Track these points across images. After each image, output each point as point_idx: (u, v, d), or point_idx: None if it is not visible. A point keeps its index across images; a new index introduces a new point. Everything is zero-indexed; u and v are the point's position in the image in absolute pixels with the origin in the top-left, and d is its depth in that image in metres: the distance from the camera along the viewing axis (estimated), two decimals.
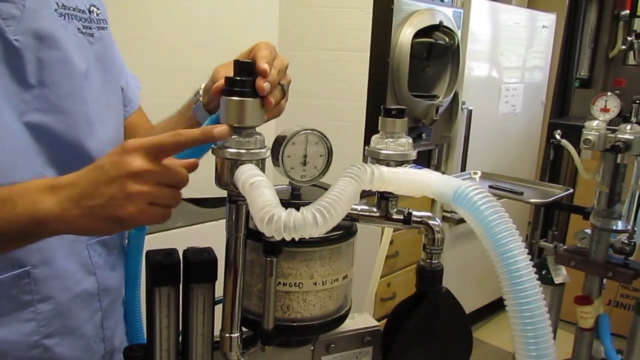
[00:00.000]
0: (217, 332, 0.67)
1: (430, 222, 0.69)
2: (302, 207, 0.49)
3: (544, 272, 1.63)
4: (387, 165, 0.66)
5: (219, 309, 0.66)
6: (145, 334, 0.82)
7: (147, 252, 0.64)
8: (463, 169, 2.64)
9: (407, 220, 0.69)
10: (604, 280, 1.53)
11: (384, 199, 0.69)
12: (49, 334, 0.73)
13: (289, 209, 0.49)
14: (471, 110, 2.62)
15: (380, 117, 0.69)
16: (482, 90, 2.77)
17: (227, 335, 0.64)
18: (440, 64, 2.53)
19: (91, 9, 0.80)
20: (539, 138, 3.27)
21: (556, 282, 1.61)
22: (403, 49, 2.22)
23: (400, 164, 0.67)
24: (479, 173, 1.90)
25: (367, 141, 2.25)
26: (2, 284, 0.68)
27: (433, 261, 0.69)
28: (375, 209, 0.69)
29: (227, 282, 0.64)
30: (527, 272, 0.50)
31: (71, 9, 0.76)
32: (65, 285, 0.74)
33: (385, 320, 0.75)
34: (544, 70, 3.19)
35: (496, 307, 3.25)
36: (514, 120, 3.02)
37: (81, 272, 0.78)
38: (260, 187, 0.51)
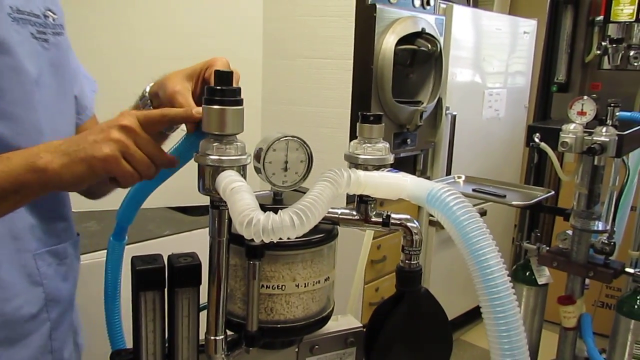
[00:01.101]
0: (202, 335, 0.68)
1: (409, 224, 0.71)
2: (280, 210, 0.51)
3: (527, 274, 1.65)
4: (365, 169, 0.68)
5: (203, 312, 0.68)
6: (125, 339, 0.83)
7: (132, 257, 0.65)
8: (448, 173, 2.68)
9: (386, 222, 0.71)
10: (587, 280, 1.56)
11: (363, 202, 0.71)
12: None
13: (267, 212, 0.51)
14: (455, 116, 2.66)
15: (358, 123, 0.71)
16: (466, 95, 2.81)
17: (212, 338, 0.66)
18: (423, 71, 2.57)
19: (46, 14, 0.79)
20: (523, 142, 3.32)
21: (540, 283, 1.64)
22: (386, 56, 2.26)
23: (377, 168, 0.69)
24: (463, 177, 1.93)
25: None
26: None
27: (412, 262, 0.71)
28: (355, 212, 0.71)
29: (211, 286, 0.65)
30: (498, 269, 0.52)
31: (25, 13, 0.75)
32: (8, 296, 0.74)
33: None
34: (526, 75, 3.24)
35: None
36: (498, 124, 3.06)
37: (25, 283, 0.76)
38: (240, 191, 0.53)
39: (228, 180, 0.56)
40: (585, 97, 1.33)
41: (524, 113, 3.27)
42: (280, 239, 0.50)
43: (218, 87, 0.61)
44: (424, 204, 0.58)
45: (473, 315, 3.03)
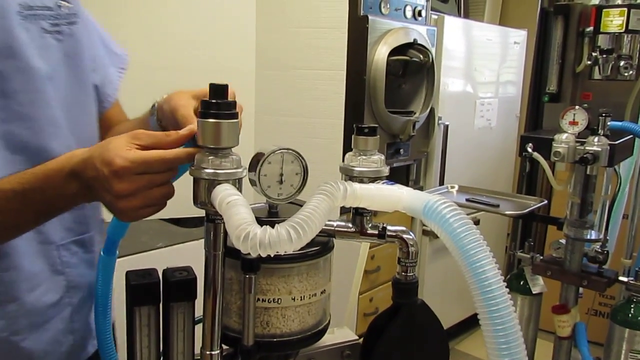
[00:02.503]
0: (197, 350, 0.68)
1: (405, 236, 0.71)
2: (276, 224, 0.51)
3: (521, 283, 1.65)
4: (361, 181, 0.68)
5: (198, 326, 0.67)
6: (117, 355, 0.82)
7: (127, 272, 0.65)
8: (441, 183, 2.68)
9: (382, 234, 0.71)
10: (581, 289, 1.56)
11: (358, 215, 0.71)
12: (16, 331, 0.76)
13: (264, 227, 0.50)
14: (447, 125, 2.67)
15: (353, 136, 0.71)
16: (458, 105, 2.83)
17: (207, 352, 0.65)
18: (415, 81, 2.59)
19: (60, 4, 0.79)
20: (515, 151, 3.33)
21: (534, 292, 1.64)
22: (379, 67, 2.27)
23: (373, 180, 0.69)
24: (456, 187, 1.93)
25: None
26: None
27: (408, 274, 0.71)
28: (350, 225, 0.71)
29: (206, 300, 0.65)
30: (496, 280, 0.52)
31: (36, 8, 0.75)
32: (31, 286, 0.77)
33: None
34: (517, 85, 3.27)
35: (478, 319, 3.28)
36: (490, 134, 3.08)
37: (48, 272, 0.80)
38: (236, 205, 0.52)
39: (224, 194, 0.56)
40: (577, 107, 1.34)
41: (516, 122, 3.29)
42: (277, 252, 0.50)
43: (213, 101, 0.61)
44: (420, 216, 0.58)
45: (467, 325, 3.02)
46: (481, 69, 2.94)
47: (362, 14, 2.24)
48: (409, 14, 2.49)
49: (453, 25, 2.71)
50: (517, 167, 3.35)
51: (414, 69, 2.55)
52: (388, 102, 2.33)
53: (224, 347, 0.68)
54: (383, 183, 0.67)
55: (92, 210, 0.88)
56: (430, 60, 2.47)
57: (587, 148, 1.30)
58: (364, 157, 0.70)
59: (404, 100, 2.60)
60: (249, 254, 0.62)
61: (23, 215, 0.69)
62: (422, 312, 0.73)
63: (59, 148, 0.76)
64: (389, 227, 0.71)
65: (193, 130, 0.65)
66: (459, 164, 2.82)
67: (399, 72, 2.58)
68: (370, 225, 0.71)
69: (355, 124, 0.70)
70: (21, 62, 0.73)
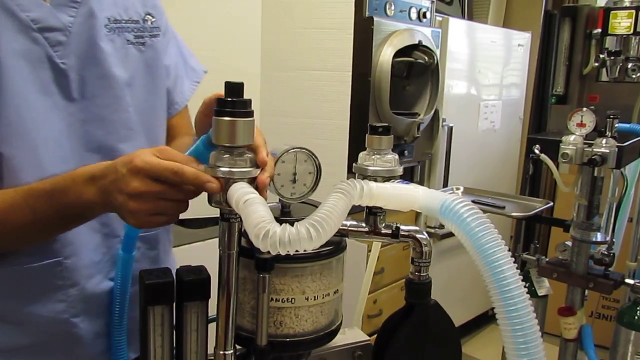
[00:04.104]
0: (210, 349, 0.67)
1: (418, 235, 0.70)
2: (296, 223, 0.50)
3: (527, 285, 1.64)
4: (375, 181, 0.67)
5: (211, 326, 0.67)
6: (127, 354, 0.82)
7: (140, 271, 0.64)
8: (445, 184, 2.68)
9: (395, 234, 0.70)
10: (586, 291, 1.56)
11: (372, 214, 0.71)
12: (75, 314, 0.81)
13: (283, 225, 0.50)
14: (452, 127, 2.67)
15: (367, 135, 0.71)
16: (462, 107, 2.82)
17: (221, 352, 0.65)
18: (420, 82, 2.58)
19: (146, 18, 0.88)
20: (518, 153, 3.33)
21: (540, 294, 1.64)
22: (384, 68, 2.27)
23: (387, 179, 0.68)
24: (461, 188, 1.93)
25: (350, 159, 2.26)
26: (39, 269, 0.78)
27: (421, 274, 0.71)
28: (364, 224, 0.71)
29: (220, 300, 0.64)
30: (514, 280, 0.52)
31: (123, 21, 0.84)
32: (91, 274, 0.83)
33: (375, 335, 0.76)
34: (521, 88, 3.27)
35: (482, 321, 3.27)
36: (494, 136, 3.08)
37: (108, 263, 0.85)
38: (254, 204, 0.52)
39: (241, 193, 0.55)
40: (585, 108, 1.33)
41: (519, 125, 3.29)
42: (297, 251, 0.50)
43: (229, 99, 0.61)
44: (437, 215, 0.57)
45: (472, 327, 3.01)
46: (485, 72, 2.94)
47: (367, 16, 2.24)
48: (413, 15, 2.49)
49: (457, 27, 2.71)
50: (520, 169, 3.35)
51: (418, 70, 2.55)
52: (392, 104, 2.33)
53: (237, 347, 0.68)
54: (397, 182, 0.66)
55: None
56: (435, 61, 2.47)
57: (595, 150, 1.30)
58: (377, 156, 0.70)
59: (408, 102, 2.60)
60: (263, 253, 0.63)
61: (49, 218, 0.72)
62: (435, 313, 0.72)
63: (131, 149, 0.80)
64: (402, 227, 0.71)
65: (208, 181, 0.63)
66: (462, 165, 2.81)
67: (403, 74, 2.58)
68: (383, 224, 0.71)
69: (368, 123, 0.70)
70: (103, 69, 0.81)
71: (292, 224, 0.50)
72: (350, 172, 2.36)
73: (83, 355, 0.84)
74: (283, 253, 0.49)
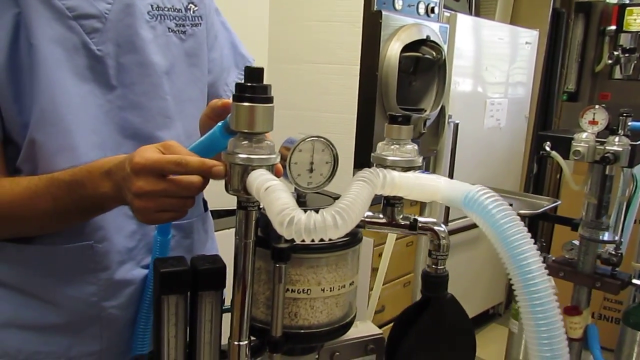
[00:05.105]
0: (223, 340, 0.66)
1: (436, 227, 0.69)
2: (320, 210, 0.49)
3: None
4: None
5: (226, 317, 0.66)
6: (147, 345, 0.81)
7: (155, 259, 0.63)
8: None
9: (413, 226, 0.69)
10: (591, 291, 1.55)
11: (390, 205, 0.69)
12: (106, 298, 0.82)
13: (308, 212, 0.49)
14: (457, 124, 2.66)
15: (386, 124, 0.70)
16: (468, 104, 2.81)
17: (236, 343, 0.63)
18: (426, 78, 2.57)
19: (188, 7, 0.87)
20: (523, 151, 3.32)
21: None
22: (391, 63, 2.25)
23: (406, 170, 0.67)
24: None
25: (357, 153, 2.24)
26: (70, 251, 0.79)
27: (438, 267, 0.70)
28: (381, 215, 0.70)
29: (236, 290, 0.63)
30: (540, 274, 0.50)
31: (166, 9, 0.84)
32: (123, 260, 0.83)
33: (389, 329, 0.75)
34: (527, 86, 3.25)
35: (483, 319, 3.27)
36: (499, 134, 3.07)
37: (142, 250, 0.85)
38: (276, 190, 0.51)
39: (262, 179, 0.54)
40: (597, 106, 1.32)
41: (525, 123, 3.28)
42: (322, 240, 0.48)
43: (248, 84, 0.60)
44: (460, 207, 0.56)
45: (473, 324, 3.01)
46: (491, 69, 2.93)
47: (375, 9, 2.22)
48: (421, 10, 2.47)
49: (465, 23, 2.70)
50: (525, 168, 3.34)
51: (425, 66, 2.54)
52: (399, 99, 2.32)
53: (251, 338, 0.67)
54: (419, 172, 0.65)
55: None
56: (443, 57, 2.46)
57: (607, 148, 1.29)
58: (397, 146, 0.69)
59: (415, 98, 2.58)
60: (280, 242, 0.62)
61: (68, 207, 0.72)
62: (451, 307, 0.71)
63: (168, 137, 0.82)
64: (420, 219, 0.70)
65: (214, 165, 0.64)
66: (467, 162, 2.80)
67: (409, 69, 2.56)
68: (401, 216, 0.70)
69: (390, 113, 0.69)
70: (142, 57, 0.81)
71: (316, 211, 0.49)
72: (357, 167, 2.36)
73: (111, 340, 0.84)
74: (308, 240, 0.48)
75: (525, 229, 0.53)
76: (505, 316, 3.42)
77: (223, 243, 1.05)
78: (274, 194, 0.50)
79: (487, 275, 3.14)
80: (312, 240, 0.48)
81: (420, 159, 0.69)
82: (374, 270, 2.39)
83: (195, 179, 0.65)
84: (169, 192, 0.65)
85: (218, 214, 1.71)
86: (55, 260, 0.79)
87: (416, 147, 0.69)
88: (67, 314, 0.80)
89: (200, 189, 0.66)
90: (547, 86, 2.92)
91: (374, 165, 0.69)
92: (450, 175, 2.68)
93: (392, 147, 0.68)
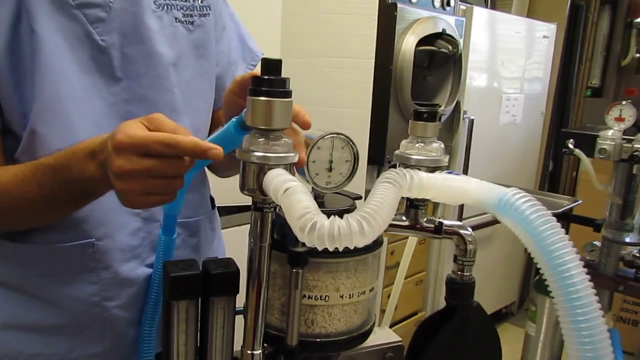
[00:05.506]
0: (236, 345, 0.63)
1: (462, 231, 0.65)
2: (345, 215, 0.45)
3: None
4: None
5: (239, 323, 0.62)
6: (153, 348, 0.78)
7: (165, 263, 0.60)
8: None
9: (438, 229, 0.65)
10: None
11: (413, 207, 0.65)
12: (108, 298, 0.79)
13: (332, 217, 0.45)
14: (473, 120, 2.60)
15: (410, 121, 0.65)
16: (483, 100, 2.75)
17: (249, 352, 0.60)
18: (441, 73, 2.51)
19: None
20: (539, 148, 3.26)
21: None
22: (406, 57, 2.20)
23: (432, 170, 0.63)
24: None
25: (371, 149, 2.19)
26: (70, 250, 0.76)
27: (464, 273, 0.66)
28: (403, 217, 0.66)
29: (250, 295, 0.59)
30: (584, 287, 0.46)
31: None
32: (126, 258, 0.79)
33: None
34: (544, 81, 3.18)
35: (496, 319, 3.22)
36: (515, 130, 3.01)
37: (146, 249, 0.81)
38: (296, 192, 0.47)
39: (280, 180, 0.50)
40: (624, 102, 1.27)
41: (541, 119, 3.21)
42: (347, 247, 0.44)
43: (265, 77, 0.56)
44: (493, 211, 0.52)
45: None
46: (507, 64, 2.86)
47: (390, 2, 2.17)
48: (437, 3, 2.42)
49: (481, 16, 2.63)
50: (540, 165, 3.28)
51: (440, 60, 2.48)
52: (413, 94, 2.27)
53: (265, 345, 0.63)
54: (446, 172, 0.61)
55: (200, 194, 0.91)
56: (459, 51, 2.40)
57: (635, 146, 1.23)
58: (421, 144, 0.64)
59: (429, 93, 2.53)
60: (297, 245, 0.58)
61: (56, 194, 0.68)
62: (477, 315, 0.67)
63: None
64: (445, 222, 0.65)
65: (211, 148, 0.59)
66: (482, 159, 2.75)
67: (424, 63, 2.51)
68: (425, 219, 0.66)
69: (414, 108, 0.65)
70: (147, 47, 0.77)
71: (339, 215, 0.45)
72: (370, 164, 2.31)
73: (114, 341, 0.81)
74: (331, 248, 0.44)
75: (567, 237, 0.48)
76: (518, 315, 3.37)
77: (229, 241, 1.01)
78: (294, 196, 0.46)
79: (500, 274, 3.09)
80: (336, 249, 0.44)
81: (447, 158, 0.65)
82: (387, 268, 2.36)
83: (181, 159, 0.60)
84: (154, 172, 0.59)
85: (228, 211, 1.69)
86: (54, 258, 0.76)
87: (442, 145, 0.65)
88: (68, 315, 0.78)
89: (189, 167, 0.61)
90: (564, 81, 2.85)
91: (397, 164, 0.65)
92: (465, 172, 2.63)
93: (417, 145, 0.64)
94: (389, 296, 2.54)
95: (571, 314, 0.46)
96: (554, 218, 0.49)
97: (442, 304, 2.79)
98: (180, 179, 0.62)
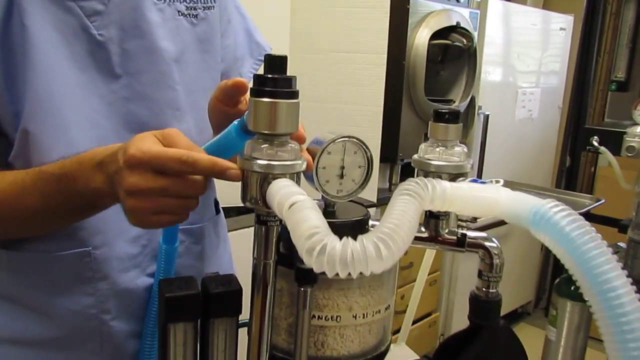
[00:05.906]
0: None
1: (487, 244, 0.59)
2: (359, 236, 0.39)
3: (572, 288, 1.52)
4: (439, 178, 0.56)
5: (241, 344, 0.57)
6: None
7: (160, 281, 0.54)
8: (479, 175, 2.55)
9: (462, 242, 0.59)
10: None
11: (433, 218, 0.59)
12: (106, 310, 0.75)
13: (344, 239, 0.39)
14: (488, 115, 2.53)
15: (430, 122, 0.59)
16: (499, 94, 2.67)
17: None
18: (455, 67, 2.44)
19: None
20: (555, 144, 3.17)
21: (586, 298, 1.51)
22: (419, 52, 2.13)
23: (454, 177, 0.57)
24: (501, 181, 1.80)
25: (383, 148, 2.12)
26: (65, 259, 0.72)
27: (490, 290, 0.60)
28: (423, 229, 0.60)
29: (253, 315, 0.54)
30: (633, 309, 0.40)
31: None
32: (125, 268, 0.75)
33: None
34: (561, 75, 3.09)
35: (512, 319, 3.15)
36: (531, 125, 2.92)
37: (147, 257, 0.77)
38: (303, 209, 0.41)
39: (285, 193, 0.44)
40: None
41: (558, 114, 3.12)
42: (361, 273, 0.38)
43: (269, 75, 0.50)
44: (526, 225, 0.46)
45: None
46: (523, 57, 2.78)
47: None
48: None
49: (496, 8, 2.55)
50: (557, 161, 3.20)
51: (454, 54, 2.41)
52: (426, 90, 2.20)
53: None
54: (470, 180, 0.55)
55: (205, 199, 0.86)
56: (473, 45, 2.33)
57: None
58: (443, 148, 0.58)
59: (443, 88, 2.46)
60: (321, 271, 0.52)
61: (59, 205, 0.64)
62: (505, 336, 0.61)
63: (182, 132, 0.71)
64: (469, 233, 0.59)
65: (229, 168, 0.54)
66: (498, 156, 2.67)
67: (437, 58, 2.44)
68: (447, 230, 0.60)
69: (434, 109, 0.59)
70: (148, 42, 0.73)
71: (353, 237, 0.39)
72: (382, 162, 2.24)
73: (114, 355, 0.76)
74: (343, 275, 0.38)
75: (615, 257, 0.42)
76: (534, 315, 3.29)
77: (238, 244, 0.96)
78: (301, 213, 0.40)
79: (516, 273, 3.01)
80: (349, 274, 0.38)
81: (470, 164, 0.59)
82: (402, 269, 2.29)
83: (198, 178, 0.55)
84: (170, 191, 0.55)
85: (237, 211, 1.63)
86: (48, 267, 0.72)
87: (465, 149, 0.59)
88: (64, 328, 0.73)
89: (206, 188, 0.57)
90: (582, 75, 2.76)
91: (415, 170, 0.59)
92: (480, 170, 2.56)
93: (438, 149, 0.58)
94: (402, 297, 2.48)
95: (619, 340, 0.40)
96: (599, 235, 0.43)
97: (456, 304, 2.73)
98: (195, 199, 0.57)
